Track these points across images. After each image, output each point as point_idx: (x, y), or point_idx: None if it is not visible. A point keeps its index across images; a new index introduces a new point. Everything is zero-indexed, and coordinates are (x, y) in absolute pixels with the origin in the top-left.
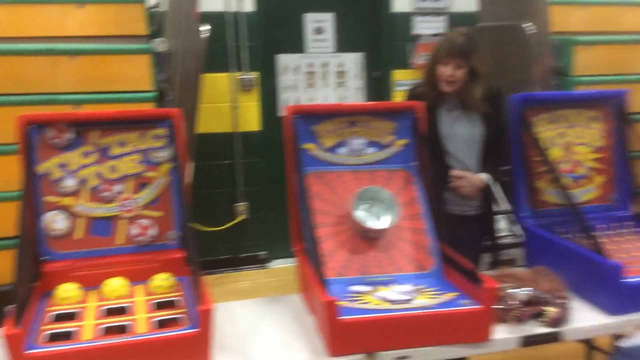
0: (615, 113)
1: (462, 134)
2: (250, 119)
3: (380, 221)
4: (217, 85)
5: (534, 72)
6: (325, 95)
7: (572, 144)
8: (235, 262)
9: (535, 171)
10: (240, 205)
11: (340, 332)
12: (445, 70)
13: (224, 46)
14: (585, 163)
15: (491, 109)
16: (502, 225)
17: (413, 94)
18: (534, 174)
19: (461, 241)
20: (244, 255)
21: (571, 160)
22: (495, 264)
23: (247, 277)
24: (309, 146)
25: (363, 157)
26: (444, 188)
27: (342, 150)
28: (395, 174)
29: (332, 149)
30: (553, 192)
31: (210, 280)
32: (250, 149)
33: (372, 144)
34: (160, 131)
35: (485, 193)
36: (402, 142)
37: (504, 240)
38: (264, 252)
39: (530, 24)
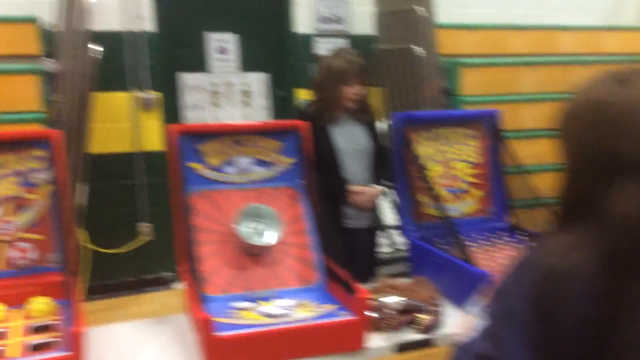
0: (490, 131)
1: (354, 147)
2: (153, 138)
3: (265, 238)
4: (117, 105)
5: (425, 92)
6: (230, 115)
7: (451, 161)
8: (140, 284)
9: (417, 186)
10: (143, 226)
11: (216, 348)
12: (353, 90)
13: (123, 65)
14: (463, 178)
15: (372, 120)
16: (399, 238)
17: (305, 114)
18: (417, 189)
19: (357, 254)
20: (149, 276)
21: (451, 176)
22: (392, 275)
23: (152, 299)
24: (195, 165)
25: (250, 176)
26: (343, 202)
27: (229, 169)
28: (282, 191)
29: (218, 168)
30: (433, 206)
31: (114, 303)
32: (154, 168)
33: (259, 162)
34: (40, 152)
35: (376, 205)
36: (289, 160)
37: (402, 253)
38: (170, 273)
39: (420, 47)
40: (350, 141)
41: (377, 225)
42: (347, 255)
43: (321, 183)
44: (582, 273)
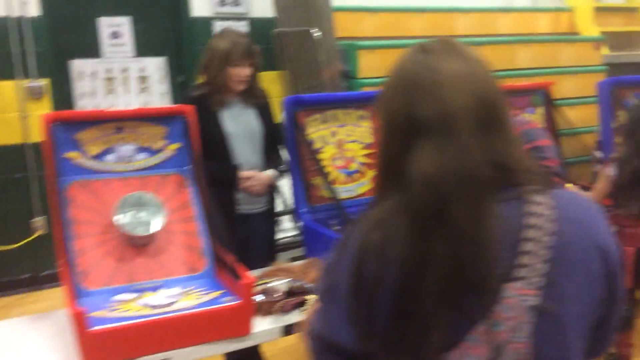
0: None
1: (245, 131)
2: None
3: (148, 227)
4: (2, 95)
5: (324, 75)
6: (128, 102)
7: (344, 142)
8: (37, 281)
9: (310, 169)
10: (37, 221)
11: (90, 343)
12: (241, 72)
13: (7, 53)
14: (357, 159)
15: (264, 104)
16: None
17: (191, 98)
18: (310, 172)
19: (253, 239)
20: (47, 272)
21: (344, 157)
22: (293, 259)
23: (50, 295)
24: (72, 155)
25: (133, 164)
26: (234, 188)
27: (110, 158)
28: (168, 178)
29: (98, 157)
30: (325, 187)
31: (10, 302)
32: None
33: (142, 149)
34: None
35: (272, 189)
36: (175, 146)
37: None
38: None
39: (317, 29)
40: (240, 125)
41: (274, 210)
42: (240, 240)
43: (210, 169)
44: (392, 242)
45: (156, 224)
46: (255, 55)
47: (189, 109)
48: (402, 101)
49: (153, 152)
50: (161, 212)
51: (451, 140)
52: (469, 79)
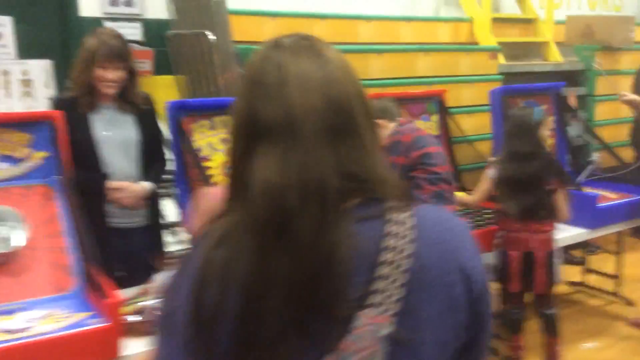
0: None
1: (118, 139)
2: None
3: (6, 243)
4: None
5: (220, 80)
6: (10, 107)
7: None
8: None
9: (197, 178)
10: None
11: None
12: (107, 74)
13: None
14: None
15: (146, 111)
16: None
17: (60, 101)
18: (197, 181)
19: (129, 256)
20: None
21: None
22: None
23: None
24: None
25: None
26: (103, 199)
27: None
28: (33, 190)
29: None
30: None
31: None
32: None
33: (4, 158)
34: None
35: (152, 202)
36: (41, 154)
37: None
38: None
39: (213, 33)
40: (113, 131)
41: (153, 224)
42: (119, 257)
43: (77, 177)
44: (236, 263)
45: (17, 239)
46: (128, 58)
47: (56, 115)
48: (245, 101)
49: (15, 161)
50: (23, 226)
51: (295, 146)
52: (321, 80)
